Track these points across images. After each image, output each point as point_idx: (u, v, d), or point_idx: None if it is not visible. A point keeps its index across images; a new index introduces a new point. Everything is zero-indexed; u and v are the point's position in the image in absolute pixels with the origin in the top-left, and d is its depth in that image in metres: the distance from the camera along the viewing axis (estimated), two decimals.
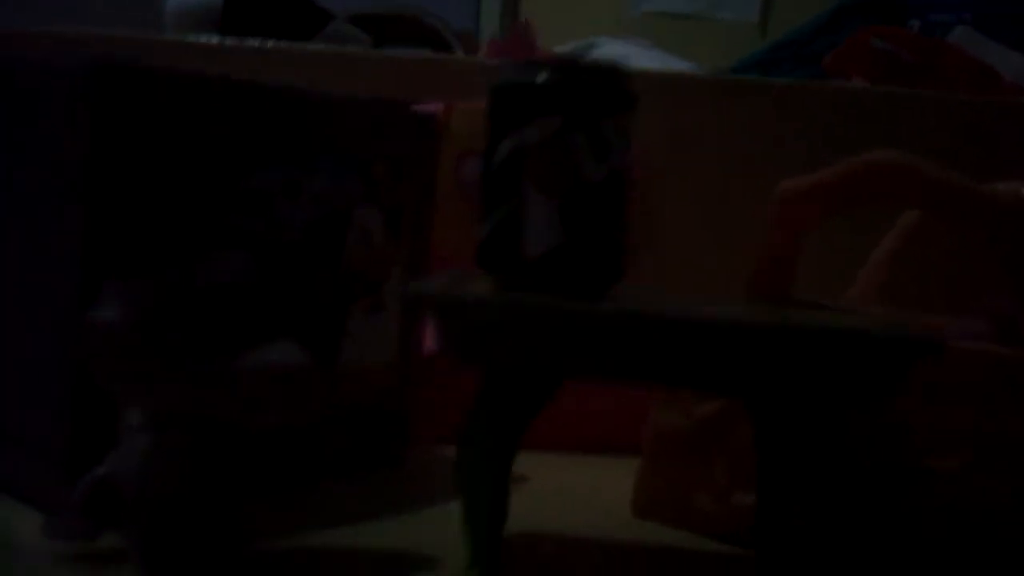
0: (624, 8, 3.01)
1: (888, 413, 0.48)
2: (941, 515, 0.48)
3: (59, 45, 0.83)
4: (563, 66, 0.44)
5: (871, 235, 0.60)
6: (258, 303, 0.50)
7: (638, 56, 1.42)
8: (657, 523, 0.56)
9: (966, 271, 0.59)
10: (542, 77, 0.44)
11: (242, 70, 0.81)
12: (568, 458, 0.66)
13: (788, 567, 0.44)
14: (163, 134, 0.48)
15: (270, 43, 0.81)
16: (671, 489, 0.55)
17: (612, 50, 1.44)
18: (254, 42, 0.81)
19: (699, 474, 0.54)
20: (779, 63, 1.46)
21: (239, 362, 0.42)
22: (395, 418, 0.61)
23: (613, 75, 0.45)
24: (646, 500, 0.56)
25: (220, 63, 0.82)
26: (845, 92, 0.82)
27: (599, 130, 0.44)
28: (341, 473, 0.58)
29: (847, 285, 0.60)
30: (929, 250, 0.57)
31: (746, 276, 0.53)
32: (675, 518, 0.55)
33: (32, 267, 0.49)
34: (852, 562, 0.48)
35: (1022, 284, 0.49)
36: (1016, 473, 0.48)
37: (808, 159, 0.80)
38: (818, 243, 0.52)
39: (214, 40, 0.83)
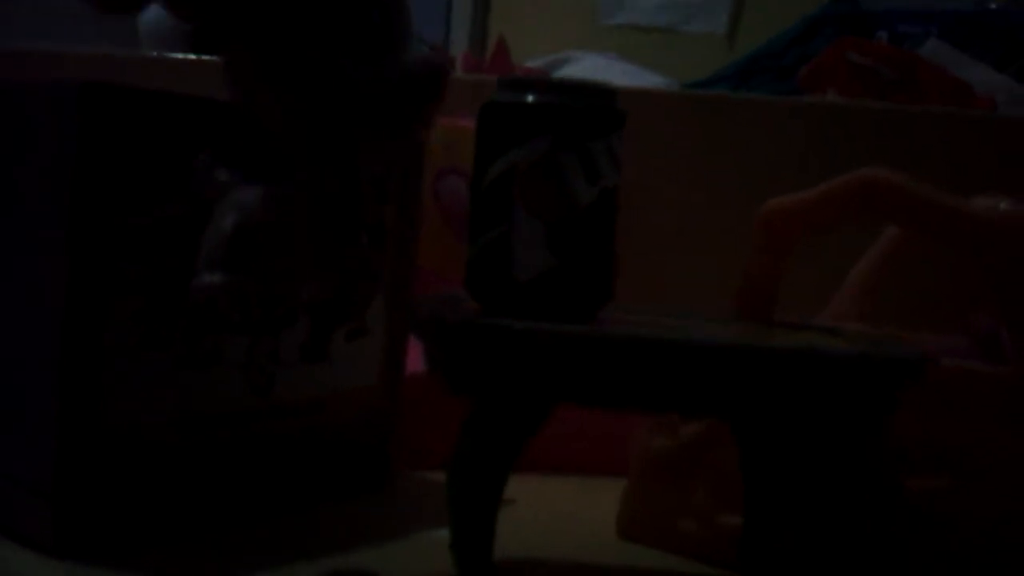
0: (594, 20, 3.02)
1: (876, 433, 0.48)
2: (927, 533, 0.48)
3: (35, 62, 0.82)
4: (554, 86, 0.44)
5: (850, 253, 0.61)
6: None
7: (611, 70, 1.42)
8: (642, 545, 0.55)
9: (946, 289, 0.60)
10: (532, 97, 0.44)
11: (215, 87, 0.81)
12: (553, 480, 0.66)
13: None
14: (147, 154, 0.47)
15: None
16: (656, 511, 0.55)
17: (585, 64, 1.45)
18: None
19: (684, 496, 0.54)
20: (751, 75, 1.46)
21: None
22: (377, 443, 0.61)
23: (603, 95, 0.44)
24: (631, 522, 0.56)
25: (193, 80, 0.82)
26: (821, 107, 0.82)
27: (589, 151, 0.43)
28: (323, 498, 0.57)
29: (825, 304, 0.60)
30: (909, 268, 0.57)
31: (725, 294, 0.53)
32: (660, 540, 0.55)
33: (18, 298, 0.48)
34: None
35: (1004, 300, 0.49)
36: (1001, 490, 0.48)
37: (787, 175, 0.80)
38: (800, 262, 0.52)
39: (188, 57, 0.82)
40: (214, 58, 0.79)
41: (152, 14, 1.01)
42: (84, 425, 0.47)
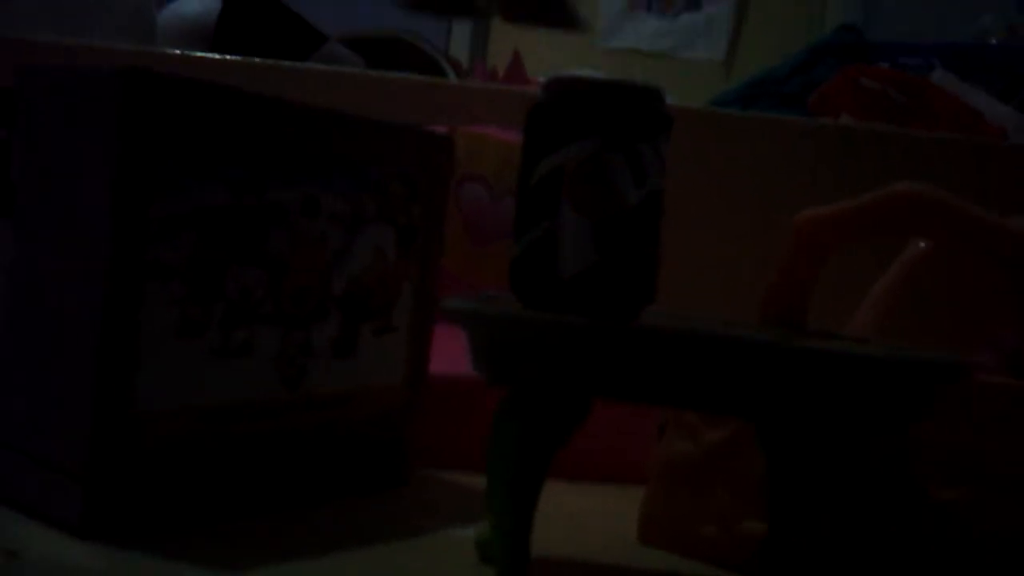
0: (593, 43, 3.03)
1: (900, 441, 0.49)
2: (947, 545, 0.48)
3: (52, 55, 0.82)
4: (603, 87, 0.44)
5: (871, 269, 0.61)
6: None
7: None
8: (663, 551, 0.55)
9: (969, 303, 0.60)
10: (583, 98, 0.44)
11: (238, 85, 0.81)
12: (575, 485, 0.66)
13: None
14: (189, 144, 0.48)
15: (267, 60, 0.81)
16: (677, 516, 0.55)
17: None
18: (250, 58, 0.81)
19: (706, 502, 0.54)
20: (754, 101, 1.48)
21: None
22: (401, 440, 0.61)
23: (652, 97, 0.45)
24: (652, 527, 0.56)
25: (216, 78, 0.82)
26: (834, 129, 0.83)
27: (637, 153, 0.44)
28: (345, 492, 0.58)
29: (846, 318, 0.60)
30: (930, 284, 0.58)
31: (734, 308, 0.54)
32: (681, 546, 0.55)
33: (58, 282, 0.48)
34: None
35: None
36: (1020, 504, 0.48)
37: (798, 195, 0.81)
38: (827, 275, 0.53)
39: (209, 55, 0.83)
40: (235, 57, 0.80)
41: (170, 12, 1.02)
42: (119, 409, 0.47)
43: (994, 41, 1.87)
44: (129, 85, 0.46)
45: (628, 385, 0.43)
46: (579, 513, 0.61)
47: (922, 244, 0.57)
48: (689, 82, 2.59)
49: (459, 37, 3.13)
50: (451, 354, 0.68)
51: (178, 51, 0.84)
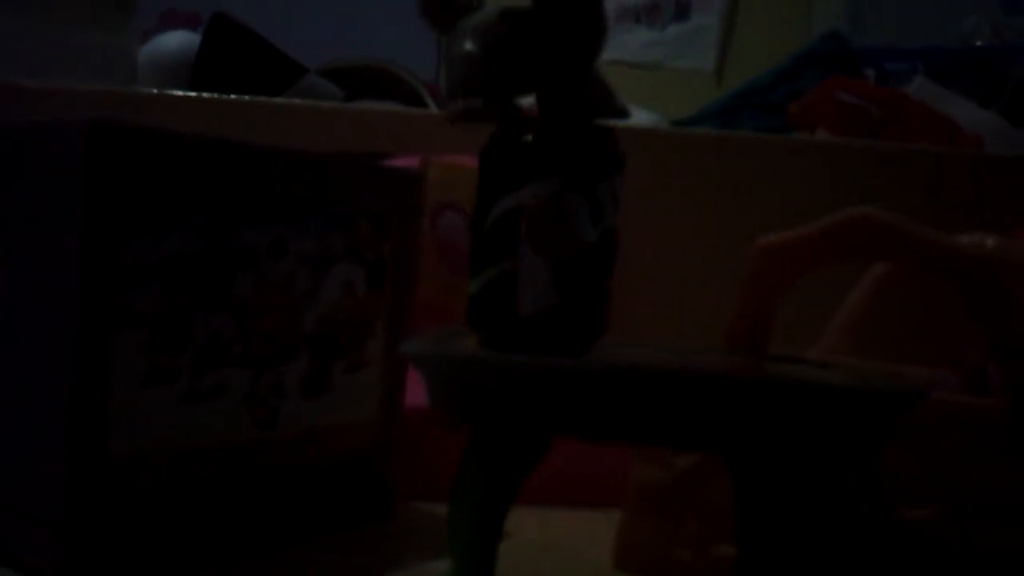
0: None
1: (863, 465, 0.49)
2: (916, 566, 0.49)
3: (32, 97, 0.83)
4: (562, 127, 0.45)
5: (838, 290, 0.62)
6: None
7: None
8: (639, 575, 0.56)
9: (934, 323, 0.61)
10: (539, 139, 0.45)
11: (214, 123, 0.82)
12: (549, 511, 0.66)
13: None
14: (153, 192, 0.48)
15: (245, 97, 0.82)
16: (651, 541, 0.55)
17: None
18: (226, 96, 0.82)
19: (678, 526, 0.55)
20: (739, 112, 1.48)
21: None
22: (378, 475, 0.61)
23: (607, 137, 0.45)
24: (627, 552, 0.57)
25: (192, 116, 0.83)
26: (811, 144, 0.83)
27: (595, 193, 0.44)
28: (324, 531, 0.58)
29: (812, 340, 0.61)
30: (896, 303, 0.58)
31: (716, 329, 0.54)
32: (656, 570, 0.55)
33: (28, 331, 0.49)
34: None
35: (991, 335, 0.50)
36: (987, 523, 0.49)
37: (777, 211, 0.81)
38: (788, 298, 0.53)
39: (188, 93, 0.83)
40: (211, 95, 0.81)
41: (150, 48, 1.03)
42: (91, 458, 0.47)
43: (979, 43, 1.88)
44: (93, 138, 0.47)
45: (588, 423, 0.43)
46: (554, 539, 0.61)
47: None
48: (679, 93, 2.59)
49: None
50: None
51: (155, 90, 0.85)
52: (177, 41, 1.01)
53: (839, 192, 0.81)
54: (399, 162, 0.77)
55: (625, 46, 3.08)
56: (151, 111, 0.83)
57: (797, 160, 0.82)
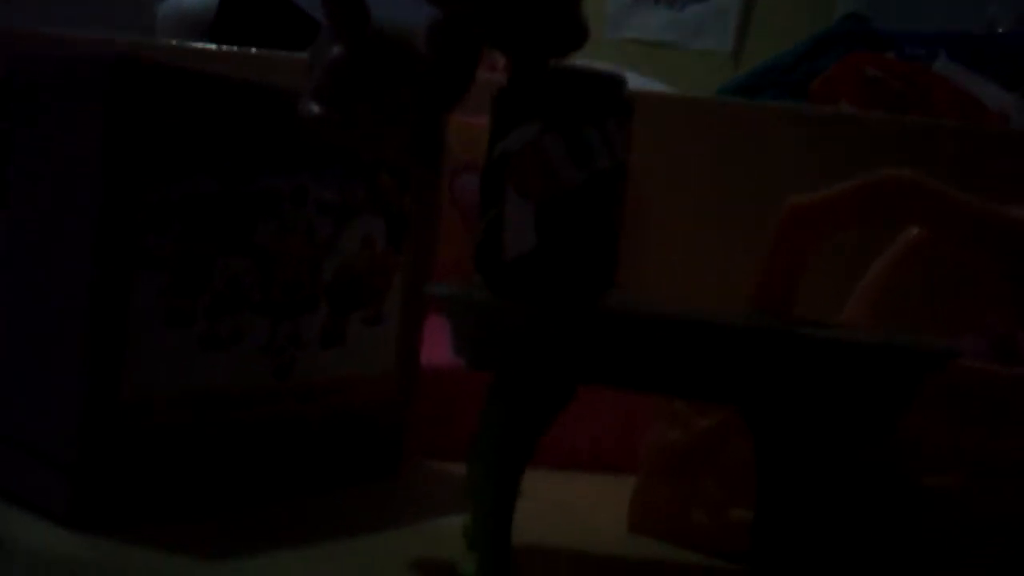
0: (600, 34, 3.03)
1: (888, 429, 0.48)
2: (938, 533, 0.48)
3: (50, 46, 0.82)
4: (551, 74, 0.45)
5: (866, 256, 0.61)
6: None
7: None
8: (653, 539, 0.55)
9: (962, 291, 0.60)
10: (530, 84, 0.45)
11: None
12: (563, 474, 0.66)
13: None
14: (177, 132, 0.48)
15: (264, 51, 0.81)
16: (667, 504, 0.55)
17: None
18: (246, 48, 0.81)
19: (696, 489, 0.54)
20: (761, 89, 1.47)
21: None
22: (392, 429, 0.61)
23: (598, 81, 0.45)
24: (642, 515, 0.56)
25: (209, 68, 0.82)
26: (833, 116, 0.83)
27: (580, 135, 0.44)
28: (336, 484, 0.58)
29: (841, 306, 0.60)
30: (924, 270, 0.58)
31: (738, 295, 0.53)
32: (671, 534, 0.55)
33: (47, 271, 0.48)
34: None
35: (1022, 303, 0.50)
36: (1013, 492, 0.48)
37: (798, 181, 0.81)
38: (816, 264, 0.52)
39: (207, 46, 0.83)
40: (231, 48, 0.80)
41: (169, 5, 1.02)
42: (106, 399, 0.47)
43: (1001, 29, 1.86)
44: (118, 73, 0.46)
45: (611, 371, 0.43)
46: (568, 502, 0.61)
47: (915, 230, 0.57)
48: (697, 74, 2.58)
49: None
50: (444, 344, 0.68)
51: (174, 41, 0.84)
52: None
53: (860, 166, 0.80)
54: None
55: (643, 26, 3.07)
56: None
57: (819, 132, 0.81)
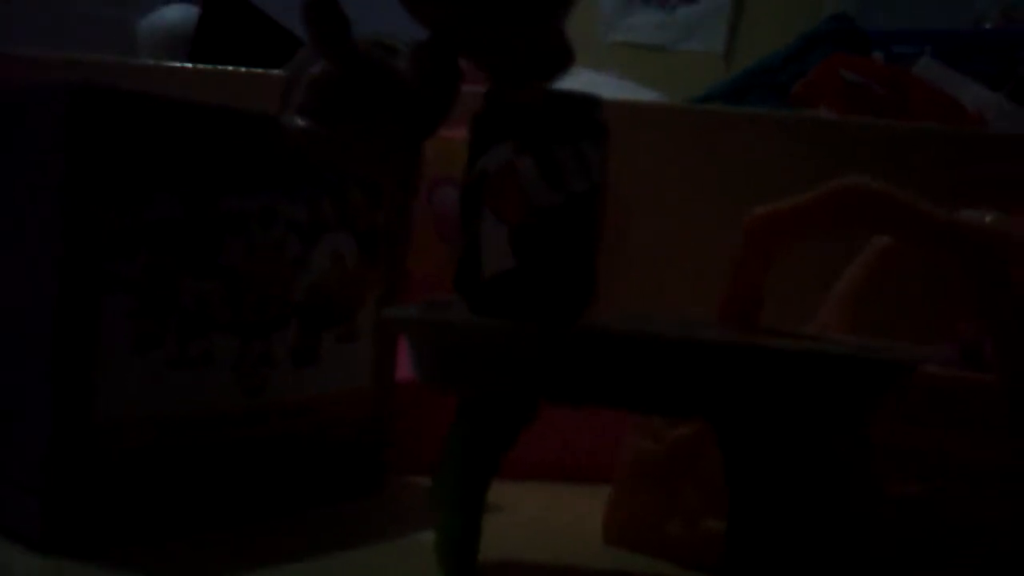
0: (592, 37, 3.03)
1: (857, 437, 0.49)
2: (908, 540, 0.48)
3: (30, 67, 0.82)
4: (521, 94, 0.45)
5: (836, 264, 0.61)
6: None
7: (609, 86, 1.43)
8: (628, 550, 0.56)
9: (931, 298, 0.60)
10: (504, 106, 0.45)
11: (213, 95, 0.81)
12: (538, 486, 0.66)
13: None
14: (140, 156, 0.48)
15: (242, 69, 0.81)
16: (642, 516, 0.55)
17: (582, 80, 1.45)
18: (226, 67, 0.82)
19: (671, 500, 0.54)
20: (747, 91, 1.47)
21: None
22: (370, 446, 0.61)
23: (572, 103, 0.45)
24: (617, 527, 0.56)
25: (191, 88, 0.82)
26: (813, 121, 0.83)
27: (552, 156, 0.44)
28: (316, 502, 0.58)
29: (809, 315, 0.60)
30: (894, 278, 0.58)
31: (717, 304, 0.54)
32: (647, 545, 0.55)
33: (14, 295, 0.49)
34: None
35: (987, 311, 0.50)
36: (981, 496, 0.48)
37: (780, 187, 0.81)
38: (784, 271, 0.53)
39: (185, 65, 0.83)
40: (209, 66, 0.80)
41: (149, 22, 1.02)
42: (76, 423, 0.47)
43: (989, 26, 1.87)
44: (76, 101, 0.46)
45: (580, 389, 0.43)
46: (542, 514, 0.61)
47: (886, 237, 0.57)
48: (688, 76, 2.58)
49: None
50: None
51: (151, 62, 0.84)
52: (176, 14, 1.01)
53: (840, 171, 0.81)
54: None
55: (634, 28, 3.07)
56: (149, 82, 0.82)
57: (799, 138, 0.82)
